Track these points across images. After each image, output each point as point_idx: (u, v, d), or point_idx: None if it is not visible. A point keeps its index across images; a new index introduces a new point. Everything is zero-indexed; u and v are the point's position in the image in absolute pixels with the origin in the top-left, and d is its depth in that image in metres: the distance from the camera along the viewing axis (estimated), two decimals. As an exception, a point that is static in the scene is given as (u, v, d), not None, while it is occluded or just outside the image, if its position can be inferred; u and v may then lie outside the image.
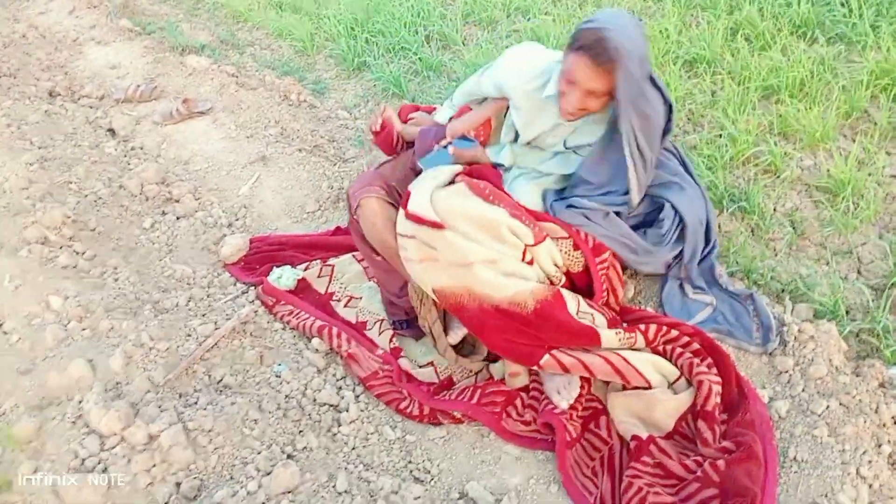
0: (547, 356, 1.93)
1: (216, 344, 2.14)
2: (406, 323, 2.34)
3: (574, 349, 1.94)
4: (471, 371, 2.22)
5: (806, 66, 3.08)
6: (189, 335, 2.18)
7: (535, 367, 1.98)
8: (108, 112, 3.66)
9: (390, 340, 2.29)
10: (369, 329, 2.35)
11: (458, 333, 2.09)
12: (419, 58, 3.88)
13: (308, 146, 3.33)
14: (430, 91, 3.68)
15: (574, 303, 1.95)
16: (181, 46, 4.36)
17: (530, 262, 1.94)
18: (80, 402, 1.82)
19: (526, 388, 2.06)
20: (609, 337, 1.94)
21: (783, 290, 2.33)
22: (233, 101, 3.72)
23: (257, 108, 3.67)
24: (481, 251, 1.85)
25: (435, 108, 2.54)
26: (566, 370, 1.94)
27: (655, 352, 2.05)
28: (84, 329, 2.10)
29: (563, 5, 4.07)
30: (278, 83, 3.95)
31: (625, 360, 1.95)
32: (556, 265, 2.00)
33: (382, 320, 2.37)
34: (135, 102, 3.73)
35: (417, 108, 2.60)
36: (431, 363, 2.25)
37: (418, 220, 1.87)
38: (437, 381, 2.19)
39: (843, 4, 3.48)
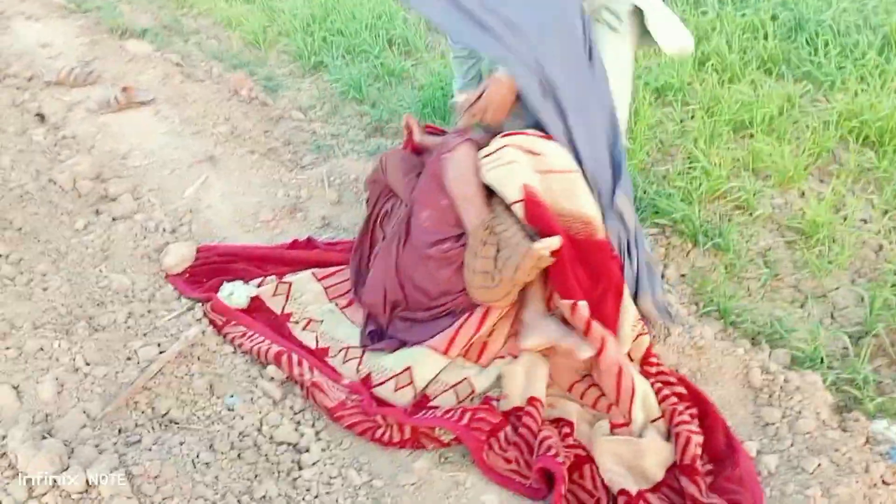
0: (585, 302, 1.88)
1: (160, 370, 1.91)
2: (379, 333, 2.16)
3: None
4: (447, 384, 2.05)
5: (775, 103, 3.08)
6: (129, 358, 1.95)
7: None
8: (36, 95, 3.33)
9: (357, 369, 2.11)
10: (332, 356, 2.16)
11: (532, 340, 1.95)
12: (381, 62, 3.70)
13: (262, 148, 3.10)
14: (391, 98, 3.51)
15: None
16: (120, 29, 4.04)
17: None
18: (4, 437, 1.57)
19: (517, 418, 1.91)
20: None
21: (759, 333, 2.28)
22: (177, 92, 3.44)
23: (205, 102, 3.41)
24: None
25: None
26: (588, 331, 1.88)
27: (645, 374, 1.98)
28: (8, 348, 1.84)
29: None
30: (227, 77, 3.70)
31: (630, 373, 1.89)
32: None
33: (348, 348, 2.18)
34: (68, 86, 3.41)
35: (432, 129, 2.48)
36: (408, 369, 2.05)
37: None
38: (414, 396, 2.01)
39: (808, 42, 3.52)
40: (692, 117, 3.15)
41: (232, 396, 1.92)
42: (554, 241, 1.83)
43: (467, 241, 1.97)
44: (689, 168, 2.87)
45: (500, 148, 1.95)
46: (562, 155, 1.98)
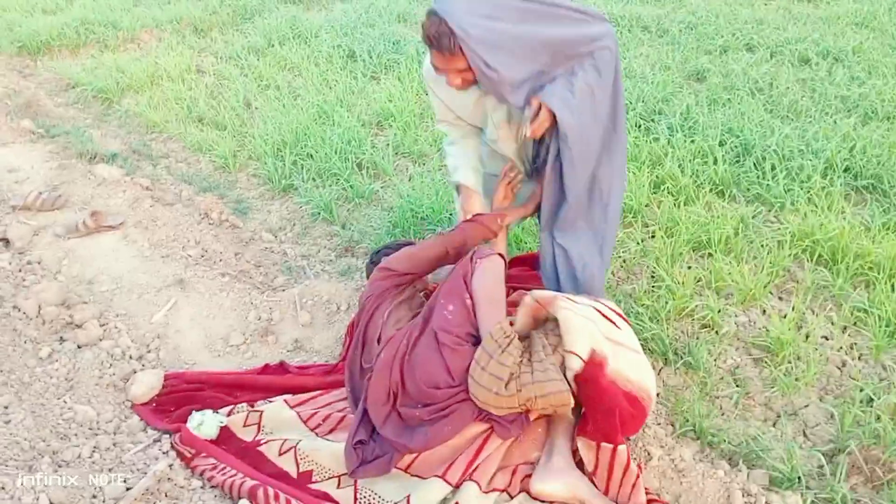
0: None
1: (127, 509, 1.82)
2: (367, 442, 2.09)
3: None
4: None
5: (730, 223, 3.23)
6: (95, 496, 1.85)
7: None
8: (2, 219, 3.30)
9: (355, 499, 2.01)
10: (319, 482, 2.07)
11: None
12: (350, 185, 3.79)
13: (232, 270, 3.10)
14: (361, 219, 3.58)
15: None
16: (90, 154, 4.08)
17: None
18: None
19: None
20: None
21: (736, 453, 2.29)
22: (147, 216, 3.46)
23: (174, 225, 3.43)
24: None
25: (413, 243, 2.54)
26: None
27: None
28: (-34, 489, 1.74)
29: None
30: (198, 200, 3.73)
31: None
32: None
33: (340, 476, 2.08)
34: (34, 211, 3.40)
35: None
36: (408, 497, 1.98)
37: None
38: None
39: (755, 166, 3.73)
40: (652, 237, 3.27)
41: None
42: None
43: (482, 341, 2.00)
44: (654, 287, 2.95)
45: (586, 304, 2.02)
46: (635, 337, 2.08)
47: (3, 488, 1.77)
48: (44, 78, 5.43)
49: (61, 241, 3.19)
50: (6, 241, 3.16)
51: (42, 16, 6.32)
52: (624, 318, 2.06)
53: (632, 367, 1.97)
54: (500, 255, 2.21)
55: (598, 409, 1.97)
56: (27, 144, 4.09)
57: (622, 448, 1.97)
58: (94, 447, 2.05)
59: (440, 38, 1.99)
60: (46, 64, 5.64)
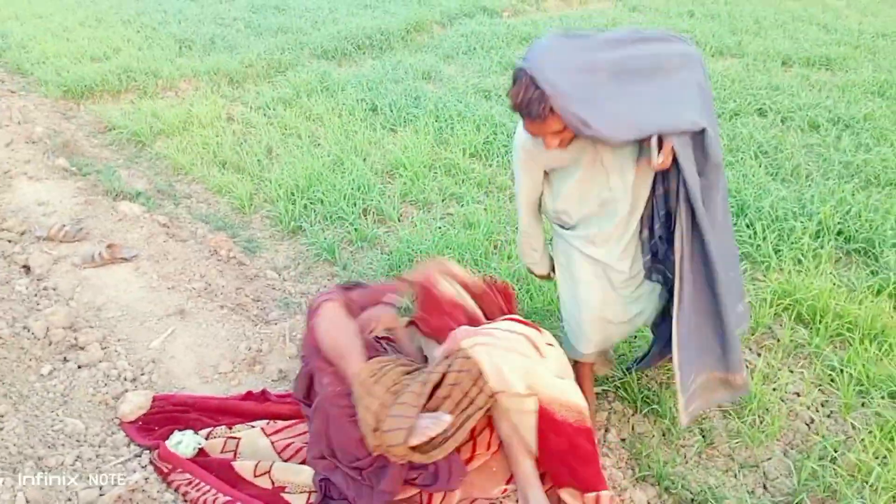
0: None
1: (97, 514, 1.95)
2: (327, 481, 2.19)
3: None
4: None
5: (715, 280, 3.30)
6: (70, 500, 1.99)
7: None
8: (26, 248, 3.54)
9: None
10: (291, 493, 2.18)
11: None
12: (355, 228, 3.97)
13: (231, 303, 3.27)
14: (362, 261, 3.74)
15: None
16: (115, 191, 4.35)
17: None
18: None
19: None
20: None
21: (693, 501, 2.33)
22: (160, 250, 3.67)
23: (184, 259, 3.63)
24: None
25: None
26: None
27: None
28: (-50, 485, 1.90)
29: (494, 197, 4.31)
30: (209, 237, 3.94)
31: None
32: None
33: (310, 492, 2.20)
34: (57, 242, 3.64)
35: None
36: None
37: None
38: None
39: (748, 226, 3.81)
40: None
41: None
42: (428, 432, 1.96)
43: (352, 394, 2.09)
44: (634, 337, 3.03)
45: (511, 333, 2.08)
46: (562, 361, 2.16)
47: (-17, 486, 1.92)
48: (84, 120, 5.80)
49: (78, 270, 3.42)
50: (27, 268, 3.39)
51: (90, 63, 6.76)
52: (550, 344, 2.14)
53: (556, 391, 2.05)
54: (330, 299, 2.28)
55: (567, 455, 2.06)
56: (59, 181, 4.38)
57: (605, 494, 2.07)
58: (77, 456, 2.20)
59: (530, 106, 1.88)
60: (88, 107, 6.03)
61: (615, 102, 1.90)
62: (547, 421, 2.04)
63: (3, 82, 6.55)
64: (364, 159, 4.85)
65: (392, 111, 5.70)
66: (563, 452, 2.07)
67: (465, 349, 2.00)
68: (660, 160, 1.97)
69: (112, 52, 7.10)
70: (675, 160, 2.00)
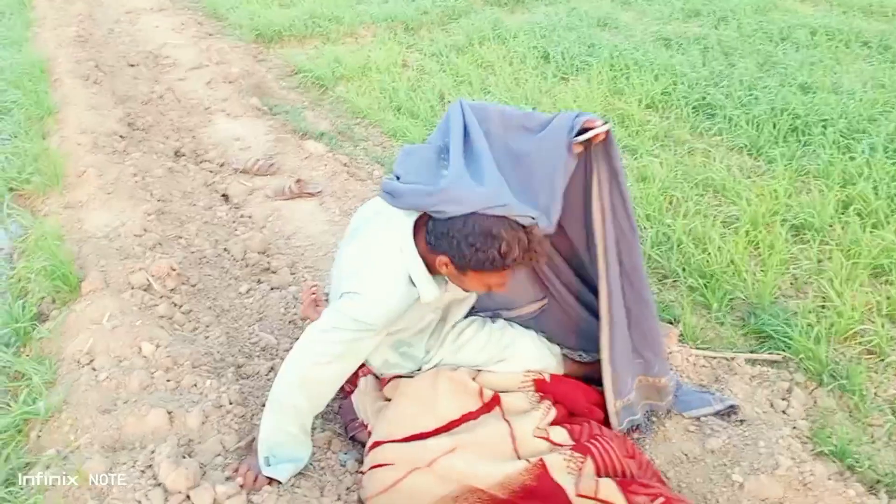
0: None
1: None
2: None
3: None
4: None
5: (921, 252, 3.01)
6: (264, 405, 2.19)
7: None
8: (225, 179, 3.87)
9: None
10: None
11: None
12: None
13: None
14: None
15: None
16: (302, 131, 4.61)
17: None
18: (153, 452, 1.83)
19: None
20: None
21: (878, 482, 2.18)
22: (341, 188, 3.87)
23: (362, 198, 3.81)
24: None
25: None
26: None
27: None
28: (169, 380, 2.15)
29: (671, 150, 4.14)
30: (385, 179, 4.10)
31: None
32: None
33: None
34: (251, 174, 3.94)
35: None
36: None
37: None
38: None
39: None
40: (829, 258, 3.12)
41: (346, 453, 2.10)
42: None
43: None
44: (822, 307, 2.84)
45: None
46: None
47: (195, 385, 2.15)
48: (273, 63, 6.16)
49: (270, 201, 3.69)
50: (226, 197, 3.71)
51: (278, 8, 7.15)
52: None
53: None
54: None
55: None
56: (253, 119, 4.71)
57: None
58: (271, 367, 2.41)
59: (541, 244, 1.80)
60: (277, 51, 6.39)
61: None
62: None
63: (201, 24, 7.09)
64: (534, 108, 4.81)
65: (564, 59, 5.59)
66: None
67: None
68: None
69: (298, -1, 7.47)
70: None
